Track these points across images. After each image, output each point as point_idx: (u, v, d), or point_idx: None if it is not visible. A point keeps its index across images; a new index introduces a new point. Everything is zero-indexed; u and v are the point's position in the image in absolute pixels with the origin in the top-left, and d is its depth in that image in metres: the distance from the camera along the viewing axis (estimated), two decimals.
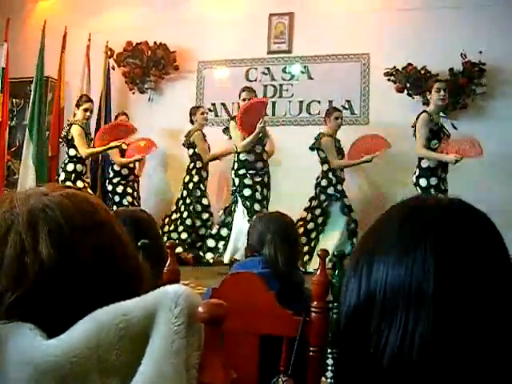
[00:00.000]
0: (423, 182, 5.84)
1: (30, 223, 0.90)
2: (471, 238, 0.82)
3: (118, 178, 7.47)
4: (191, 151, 7.31)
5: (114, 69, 8.30)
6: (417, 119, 6.02)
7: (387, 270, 0.82)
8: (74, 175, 6.64)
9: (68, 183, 6.57)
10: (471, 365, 0.77)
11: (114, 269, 0.94)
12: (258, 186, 6.35)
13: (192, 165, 7.30)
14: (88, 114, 6.81)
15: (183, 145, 7.36)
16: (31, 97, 7.87)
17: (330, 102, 7.52)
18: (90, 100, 7.00)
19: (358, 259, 0.89)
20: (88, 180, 6.93)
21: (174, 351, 0.80)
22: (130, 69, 8.20)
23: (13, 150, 8.30)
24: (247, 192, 6.31)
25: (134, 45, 8.17)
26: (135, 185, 7.60)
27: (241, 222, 6.31)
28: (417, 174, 5.92)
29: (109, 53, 8.24)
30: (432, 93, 6.06)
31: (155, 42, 8.11)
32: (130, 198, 7.39)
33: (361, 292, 0.85)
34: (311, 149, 6.72)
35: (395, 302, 0.80)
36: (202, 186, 7.27)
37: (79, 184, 6.55)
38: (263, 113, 6.46)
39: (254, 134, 6.23)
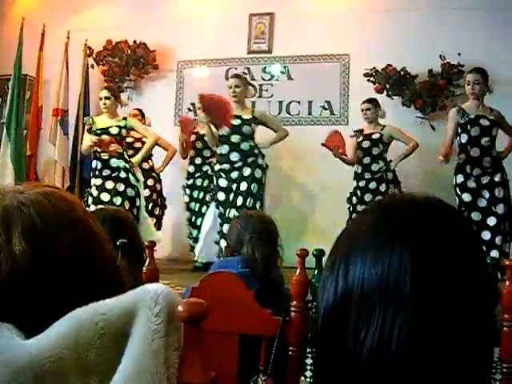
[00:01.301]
0: (453, 180, 5.64)
1: (4, 220, 0.90)
2: (447, 236, 0.83)
3: None
4: None
5: (92, 67, 8.25)
6: None
7: (364, 268, 0.83)
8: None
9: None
10: (447, 362, 0.78)
11: (90, 266, 0.94)
12: (235, 185, 5.94)
13: None
14: (102, 101, 6.21)
15: None
16: (9, 95, 7.78)
17: (310, 102, 7.56)
18: (105, 87, 6.53)
19: (334, 258, 0.89)
20: (105, 174, 6.22)
21: (153, 350, 0.80)
22: (109, 67, 8.17)
23: None
24: (221, 196, 6.03)
25: (113, 43, 8.14)
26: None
27: (209, 224, 6.25)
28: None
29: (88, 51, 8.19)
30: (465, 85, 5.78)
31: (135, 41, 8.08)
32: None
33: (338, 291, 0.86)
34: None
35: (372, 301, 0.81)
36: (186, 183, 7.16)
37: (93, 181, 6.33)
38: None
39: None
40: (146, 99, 8.18)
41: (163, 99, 8.03)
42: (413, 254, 0.80)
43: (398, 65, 7.06)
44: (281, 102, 7.77)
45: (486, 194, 5.52)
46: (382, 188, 6.31)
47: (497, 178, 5.57)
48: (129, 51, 8.08)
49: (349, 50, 7.50)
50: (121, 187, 6.15)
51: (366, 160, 6.41)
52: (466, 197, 5.51)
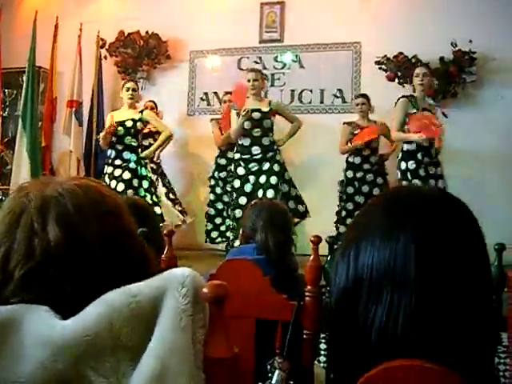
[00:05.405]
0: (402, 165, 5.76)
1: (41, 207, 0.98)
2: (449, 223, 0.90)
3: None
4: None
5: (106, 58, 8.31)
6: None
7: (373, 253, 0.90)
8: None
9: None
10: (448, 338, 0.85)
11: (120, 253, 1.01)
12: (252, 177, 6.12)
13: None
14: (129, 92, 6.40)
15: None
16: (23, 87, 7.85)
17: (322, 90, 7.59)
18: (130, 80, 6.90)
19: (345, 245, 0.96)
20: (117, 163, 6.33)
21: (181, 328, 0.87)
22: (122, 58, 8.23)
23: (5, 140, 8.31)
24: (237, 183, 6.18)
25: (126, 34, 8.19)
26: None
27: None
28: (399, 157, 5.85)
29: (100, 42, 8.25)
30: (413, 78, 5.97)
31: (147, 32, 8.13)
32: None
33: (349, 275, 0.93)
34: None
35: (381, 283, 0.88)
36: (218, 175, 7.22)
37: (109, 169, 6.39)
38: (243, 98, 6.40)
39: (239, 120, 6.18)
40: (159, 89, 8.23)
41: (176, 89, 8.08)
42: (416, 240, 0.87)
43: (410, 53, 7.06)
44: (293, 91, 7.80)
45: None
46: (380, 180, 6.60)
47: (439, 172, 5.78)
48: (141, 42, 8.14)
49: (360, 38, 7.51)
50: (126, 175, 6.27)
51: (366, 152, 6.58)
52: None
